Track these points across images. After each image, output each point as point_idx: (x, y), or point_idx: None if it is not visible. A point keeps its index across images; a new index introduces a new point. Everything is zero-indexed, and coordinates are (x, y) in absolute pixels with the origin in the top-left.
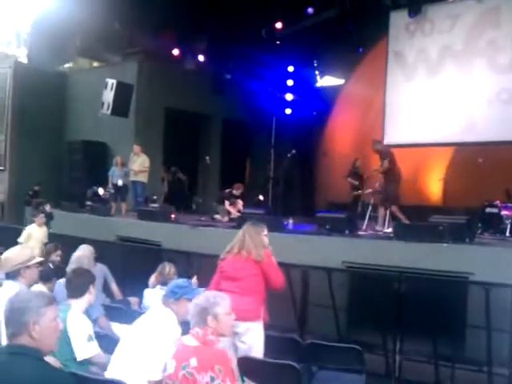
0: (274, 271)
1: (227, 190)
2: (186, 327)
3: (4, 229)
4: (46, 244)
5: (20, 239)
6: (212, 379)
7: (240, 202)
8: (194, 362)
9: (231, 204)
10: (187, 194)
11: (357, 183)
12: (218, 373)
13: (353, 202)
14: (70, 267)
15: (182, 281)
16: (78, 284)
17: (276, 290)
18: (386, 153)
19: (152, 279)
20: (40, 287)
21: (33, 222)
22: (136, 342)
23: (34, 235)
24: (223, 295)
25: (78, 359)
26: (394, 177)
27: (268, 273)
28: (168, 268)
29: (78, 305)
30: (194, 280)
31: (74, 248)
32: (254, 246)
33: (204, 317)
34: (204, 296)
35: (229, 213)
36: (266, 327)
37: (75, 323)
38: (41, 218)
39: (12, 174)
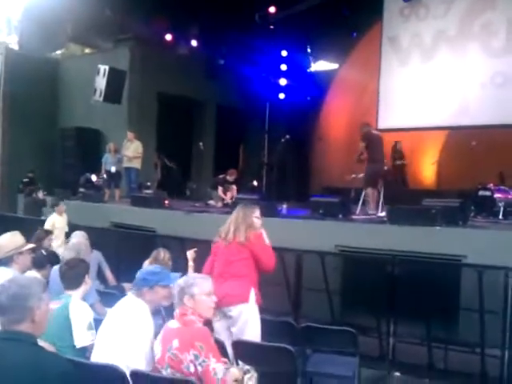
0: (263, 253)
1: (221, 176)
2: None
3: None
4: (66, 233)
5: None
6: (196, 357)
7: (234, 188)
8: (176, 343)
9: (225, 190)
10: (180, 180)
11: (404, 162)
12: (200, 350)
13: None
14: (67, 254)
15: (154, 267)
16: (73, 276)
17: (266, 272)
18: (364, 136)
19: (146, 265)
20: (34, 274)
21: (53, 211)
22: (109, 332)
23: (56, 225)
24: (205, 277)
25: (77, 346)
26: (372, 160)
27: (257, 255)
28: (163, 254)
29: (76, 295)
30: (191, 252)
31: (68, 234)
32: (236, 229)
33: (181, 296)
34: (185, 277)
35: (222, 199)
36: (260, 310)
37: (78, 311)
38: (61, 206)
39: (4, 161)
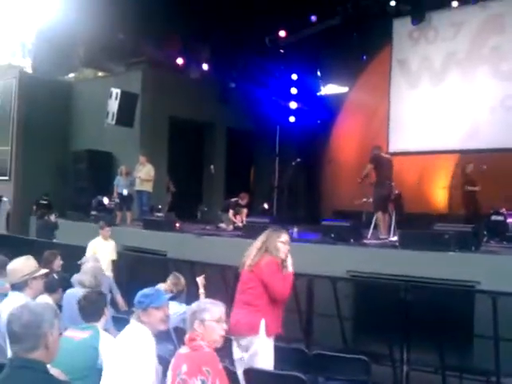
0: (272, 281)
1: (233, 200)
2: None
3: (9, 239)
4: (113, 261)
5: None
6: (203, 382)
7: (244, 212)
8: (184, 367)
9: (236, 213)
10: (191, 202)
11: (476, 189)
12: (207, 374)
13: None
14: (84, 278)
15: (148, 289)
16: (93, 311)
17: (277, 300)
18: (373, 158)
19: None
20: (46, 298)
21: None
22: (117, 364)
23: (99, 252)
24: (217, 303)
25: None
26: (380, 183)
27: (265, 283)
28: (182, 279)
29: (99, 326)
30: (201, 279)
31: (79, 258)
32: (249, 254)
33: (192, 321)
34: (199, 301)
35: (233, 222)
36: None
37: (109, 344)
38: (107, 230)
39: (17, 183)
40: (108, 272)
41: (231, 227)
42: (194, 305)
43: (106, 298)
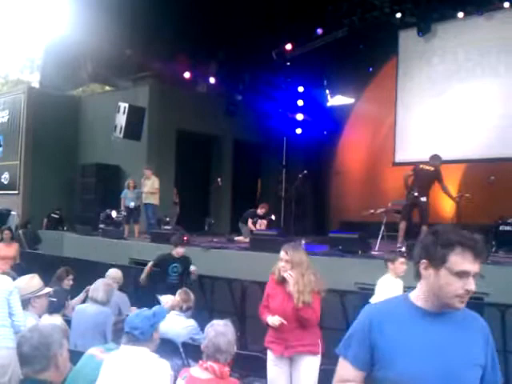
0: None
1: (251, 210)
2: None
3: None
4: None
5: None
6: None
7: (264, 222)
8: None
9: (254, 222)
10: (198, 214)
11: None
12: None
13: None
14: (96, 294)
15: (144, 310)
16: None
17: None
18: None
19: (169, 304)
20: (56, 316)
21: None
22: None
23: (389, 293)
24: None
25: None
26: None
27: None
28: (192, 295)
29: None
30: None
31: (87, 272)
32: None
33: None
34: (214, 328)
35: (251, 231)
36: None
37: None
38: (401, 264)
39: (26, 197)
40: None
41: (248, 239)
42: (211, 332)
43: None
